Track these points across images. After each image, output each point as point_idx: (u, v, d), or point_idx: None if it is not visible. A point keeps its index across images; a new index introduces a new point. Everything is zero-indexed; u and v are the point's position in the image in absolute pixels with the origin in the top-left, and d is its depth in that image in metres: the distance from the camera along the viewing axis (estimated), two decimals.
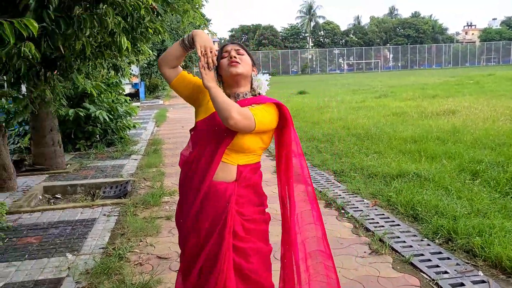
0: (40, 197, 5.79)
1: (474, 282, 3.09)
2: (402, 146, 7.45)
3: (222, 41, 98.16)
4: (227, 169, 2.02)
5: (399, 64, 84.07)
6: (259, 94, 2.14)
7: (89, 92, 6.97)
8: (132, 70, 13.91)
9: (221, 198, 2.01)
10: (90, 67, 4.51)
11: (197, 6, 4.75)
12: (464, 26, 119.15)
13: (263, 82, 2.14)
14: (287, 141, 2.15)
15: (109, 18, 2.53)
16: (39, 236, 4.27)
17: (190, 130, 2.17)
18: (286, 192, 2.24)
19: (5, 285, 3.24)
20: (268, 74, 2.19)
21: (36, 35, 2.16)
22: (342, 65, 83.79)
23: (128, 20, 3.13)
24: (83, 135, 8.80)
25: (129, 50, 3.34)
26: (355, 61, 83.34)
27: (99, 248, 3.90)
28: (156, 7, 3.56)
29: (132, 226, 4.38)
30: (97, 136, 8.95)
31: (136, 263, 3.59)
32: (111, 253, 3.73)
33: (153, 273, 3.34)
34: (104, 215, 4.83)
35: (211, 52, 1.97)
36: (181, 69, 2.18)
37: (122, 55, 4.03)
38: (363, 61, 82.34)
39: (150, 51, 7.45)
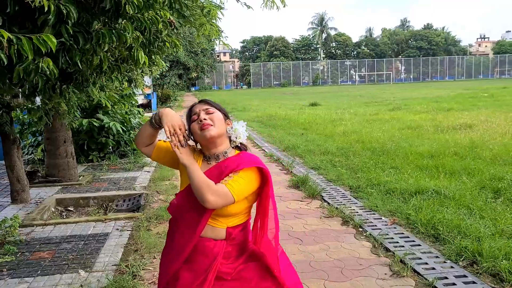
0: (53, 209, 5.75)
1: None
2: (419, 162, 7.30)
3: (233, 52, 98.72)
4: (215, 231, 1.94)
5: (411, 76, 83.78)
6: (240, 144, 2.04)
7: (103, 105, 6.95)
8: (145, 81, 13.95)
9: (208, 254, 1.93)
10: (105, 80, 4.47)
11: (213, 20, 4.69)
12: (477, 38, 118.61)
13: (240, 131, 2.02)
14: (266, 199, 2.00)
15: (128, 33, 2.47)
16: (52, 250, 4.21)
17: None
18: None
19: None
20: (243, 121, 2.06)
21: (54, 50, 2.11)
22: (354, 77, 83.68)
23: (146, 34, 3.08)
24: (96, 146, 8.78)
25: (146, 64, 3.29)
26: (366, 73, 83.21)
27: (112, 265, 3.81)
28: (173, 20, 3.51)
29: (145, 242, 4.30)
30: (110, 147, 8.93)
31: (150, 281, 3.50)
32: (124, 271, 3.65)
33: None
34: (117, 229, 4.76)
35: (180, 129, 1.88)
36: (156, 140, 2.08)
37: (138, 69, 3.99)
38: (375, 72, 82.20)
39: (164, 63, 7.44)
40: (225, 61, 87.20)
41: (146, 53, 3.37)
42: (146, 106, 22.78)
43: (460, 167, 6.64)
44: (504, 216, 4.48)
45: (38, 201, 5.98)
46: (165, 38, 3.59)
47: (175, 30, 4.00)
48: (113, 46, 2.69)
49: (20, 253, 4.15)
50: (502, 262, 3.44)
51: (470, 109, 16.41)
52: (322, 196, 5.88)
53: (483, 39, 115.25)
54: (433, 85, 49.86)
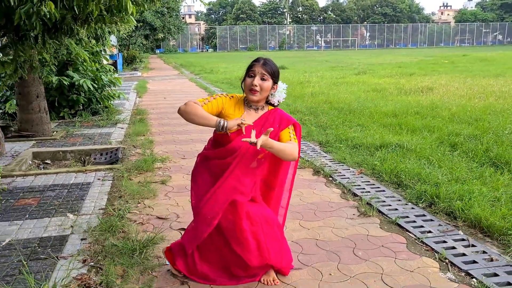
0: (30, 162, 5.81)
1: (455, 240, 3.36)
2: (384, 120, 7.71)
3: (199, 14, 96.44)
4: None
5: (376, 43, 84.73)
6: (275, 104, 2.65)
7: (79, 58, 6.91)
8: (111, 41, 13.69)
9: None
10: (85, 33, 4.49)
11: None
12: (440, 7, 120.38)
13: (280, 95, 2.62)
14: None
15: None
16: (37, 198, 4.35)
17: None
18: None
19: (11, 241, 3.34)
20: (285, 85, 2.66)
21: None
22: (320, 42, 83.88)
23: None
24: (67, 103, 8.74)
25: (134, 14, 3.40)
26: (332, 39, 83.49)
27: (99, 209, 4.01)
28: None
29: (128, 189, 4.49)
30: (81, 104, 8.90)
31: (137, 222, 3.74)
32: (111, 213, 3.85)
33: (156, 231, 3.49)
34: (99, 179, 4.93)
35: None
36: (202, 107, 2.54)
37: (123, 19, 4.02)
38: (341, 38, 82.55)
39: (134, 20, 7.41)
40: (191, 23, 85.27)
41: (132, 3, 3.47)
42: (112, 67, 22.29)
43: (421, 125, 7.09)
44: (459, 165, 4.93)
45: (14, 154, 6.02)
46: None
47: None
48: None
49: (4, 200, 4.27)
50: (456, 203, 3.86)
51: (431, 74, 17.03)
52: None
53: (445, 7, 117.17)
54: (397, 52, 50.74)
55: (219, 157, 2.57)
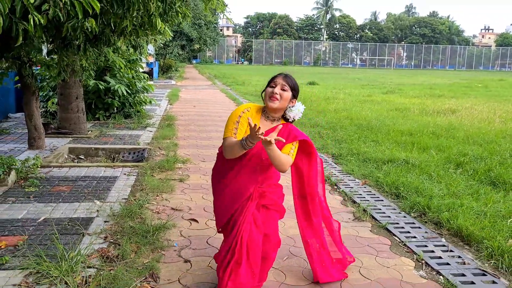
0: (66, 156, 6.45)
1: (436, 245, 3.70)
2: (398, 138, 8.02)
3: (237, 27, 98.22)
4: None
5: (412, 63, 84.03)
6: (290, 119, 2.74)
7: (116, 65, 7.58)
8: (148, 50, 14.50)
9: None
10: (122, 43, 5.09)
11: None
12: (481, 30, 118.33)
13: (297, 113, 2.71)
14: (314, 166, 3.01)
15: (153, 3, 3.13)
16: (69, 186, 4.93)
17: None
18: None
19: (46, 218, 3.90)
20: (303, 105, 2.74)
21: (98, 12, 2.77)
22: (355, 60, 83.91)
23: (164, 4, 3.74)
24: (103, 106, 9.44)
25: (162, 30, 3.94)
26: (368, 57, 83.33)
27: (122, 199, 4.54)
28: None
29: (149, 184, 5.02)
30: (115, 108, 9.59)
31: (154, 211, 4.24)
32: (132, 202, 4.37)
33: (169, 219, 3.98)
34: (125, 174, 5.48)
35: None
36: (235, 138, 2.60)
37: (153, 34, 4.60)
38: (376, 57, 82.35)
39: (169, 32, 8.05)
40: (228, 36, 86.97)
41: (162, 20, 4.02)
42: (148, 75, 23.27)
43: (433, 144, 7.37)
44: (458, 182, 5.23)
45: (52, 149, 6.68)
46: (178, 9, 4.24)
47: (185, 2, 4.64)
48: (139, 13, 3.34)
49: (42, 186, 4.87)
50: (444, 213, 4.19)
51: (460, 97, 17.09)
52: None
53: (487, 31, 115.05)
54: (433, 73, 50.38)
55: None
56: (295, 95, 2.69)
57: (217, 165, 2.88)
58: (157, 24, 3.76)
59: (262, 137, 2.33)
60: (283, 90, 2.62)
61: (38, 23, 2.64)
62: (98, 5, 2.76)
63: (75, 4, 2.72)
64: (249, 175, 2.67)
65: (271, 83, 2.67)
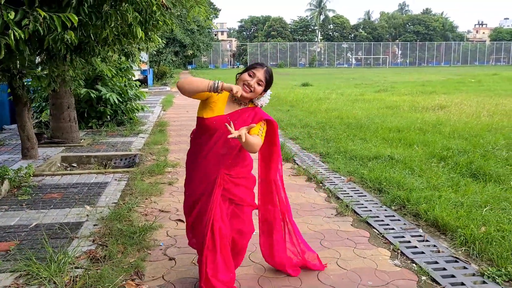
0: (59, 164, 6.59)
1: (413, 236, 3.84)
2: (386, 135, 8.17)
3: (231, 31, 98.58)
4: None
5: (407, 61, 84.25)
6: (257, 105, 2.82)
7: (105, 74, 7.74)
8: (141, 57, 14.67)
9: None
10: (107, 52, 5.25)
11: (202, 3, 5.46)
12: (475, 25, 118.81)
13: (264, 100, 2.82)
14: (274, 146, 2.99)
15: (130, 14, 3.28)
16: (61, 193, 5.07)
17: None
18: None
19: (37, 224, 4.04)
20: (270, 91, 2.84)
21: (76, 25, 2.92)
22: (350, 60, 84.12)
23: (142, 14, 3.89)
24: (95, 114, 9.59)
25: (143, 39, 4.09)
26: (363, 56, 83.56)
27: (112, 203, 4.68)
28: (165, 2, 4.32)
29: (139, 188, 5.16)
30: (108, 116, 9.74)
31: (142, 213, 4.38)
32: (121, 206, 4.52)
33: (155, 220, 4.13)
34: (116, 180, 5.62)
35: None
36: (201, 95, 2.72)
37: (136, 43, 4.75)
38: (371, 56, 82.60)
39: (160, 39, 8.20)
40: (223, 40, 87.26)
41: (143, 29, 4.17)
42: (143, 82, 23.48)
43: (419, 140, 7.52)
44: (439, 175, 5.38)
45: (45, 158, 6.82)
46: (158, 18, 4.39)
47: (168, 11, 4.80)
48: (118, 23, 3.49)
49: (34, 194, 5.01)
50: (422, 205, 4.34)
51: (451, 93, 17.25)
52: (294, 160, 6.76)
53: (480, 26, 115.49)
54: (428, 70, 50.60)
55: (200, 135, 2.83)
56: (266, 90, 2.79)
57: (190, 150, 2.97)
58: (138, 33, 3.90)
59: (236, 134, 2.41)
60: (259, 84, 2.71)
61: (19, 37, 2.80)
62: (76, 18, 2.91)
63: (54, 18, 2.88)
64: (217, 157, 2.74)
65: (250, 71, 2.73)
